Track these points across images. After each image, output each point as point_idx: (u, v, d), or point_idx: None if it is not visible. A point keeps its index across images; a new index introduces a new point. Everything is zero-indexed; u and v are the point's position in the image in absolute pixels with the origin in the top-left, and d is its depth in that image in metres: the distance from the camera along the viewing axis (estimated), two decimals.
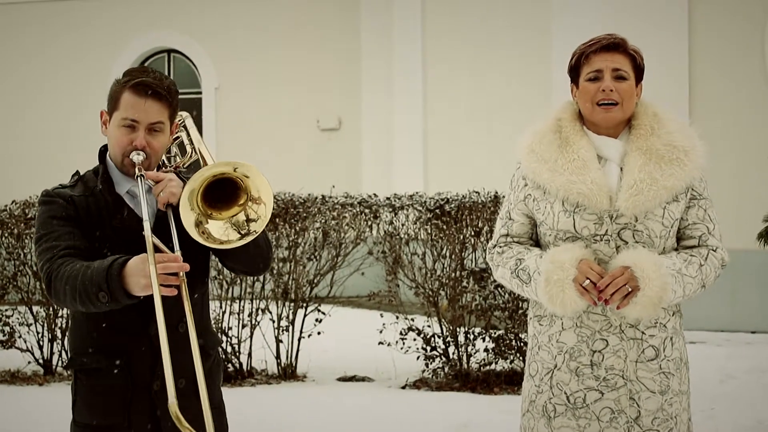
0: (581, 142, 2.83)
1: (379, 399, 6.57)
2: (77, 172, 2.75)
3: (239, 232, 2.51)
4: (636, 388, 2.79)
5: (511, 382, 6.85)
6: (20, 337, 7.53)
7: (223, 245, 2.51)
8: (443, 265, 7.18)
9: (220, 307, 7.21)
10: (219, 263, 2.81)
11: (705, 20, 8.87)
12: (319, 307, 7.40)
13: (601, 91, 2.79)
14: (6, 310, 7.60)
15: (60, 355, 7.54)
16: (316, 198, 7.68)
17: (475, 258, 7.14)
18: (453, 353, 7.08)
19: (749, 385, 6.95)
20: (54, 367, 7.53)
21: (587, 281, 2.70)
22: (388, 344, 7.18)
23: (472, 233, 7.10)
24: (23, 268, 7.50)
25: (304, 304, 7.44)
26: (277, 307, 7.37)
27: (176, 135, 2.91)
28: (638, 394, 2.79)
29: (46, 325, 7.49)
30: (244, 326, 7.28)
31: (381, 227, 7.72)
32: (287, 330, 7.34)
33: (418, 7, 11.19)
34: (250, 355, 7.33)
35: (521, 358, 6.84)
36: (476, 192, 7.31)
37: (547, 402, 2.85)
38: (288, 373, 7.31)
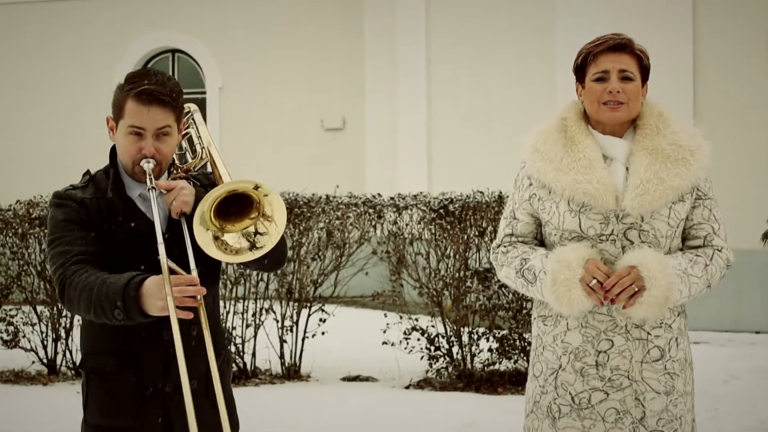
0: (586, 142, 2.83)
1: (382, 399, 6.57)
2: (88, 172, 2.73)
3: (250, 243, 2.52)
4: (641, 388, 2.79)
5: (515, 382, 6.85)
6: (24, 336, 7.53)
7: (237, 256, 2.52)
8: (447, 265, 7.18)
9: (224, 306, 7.21)
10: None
11: (708, 21, 8.87)
12: (323, 307, 7.41)
13: (607, 92, 2.79)
14: (10, 309, 7.61)
15: (64, 355, 7.54)
16: (320, 198, 7.69)
17: (479, 258, 7.14)
18: (457, 353, 7.08)
19: (753, 386, 6.94)
20: (58, 367, 7.54)
21: (594, 281, 2.70)
22: (392, 344, 7.18)
23: (476, 233, 7.09)
24: (27, 267, 7.50)
25: (308, 304, 7.44)
26: (281, 306, 7.38)
27: (185, 132, 2.89)
28: (643, 395, 2.78)
29: (50, 325, 7.50)
30: (248, 326, 7.28)
31: (385, 227, 7.72)
32: (291, 330, 7.34)
33: (421, 6, 11.19)
34: (254, 354, 7.34)
35: (525, 358, 6.83)
36: (480, 192, 7.31)
37: (551, 402, 2.85)
38: (292, 372, 7.31)
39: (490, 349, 6.99)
